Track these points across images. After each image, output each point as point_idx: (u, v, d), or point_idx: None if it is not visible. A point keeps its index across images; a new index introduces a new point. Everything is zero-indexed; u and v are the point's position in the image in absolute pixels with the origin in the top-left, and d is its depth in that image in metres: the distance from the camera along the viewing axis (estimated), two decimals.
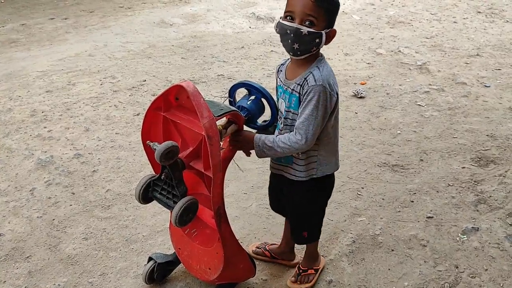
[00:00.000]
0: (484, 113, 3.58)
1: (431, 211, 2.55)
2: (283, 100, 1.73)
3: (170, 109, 1.68)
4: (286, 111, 1.71)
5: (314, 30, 1.57)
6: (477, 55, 4.66)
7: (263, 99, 1.78)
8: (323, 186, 1.89)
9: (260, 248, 2.23)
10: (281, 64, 1.82)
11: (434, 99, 3.79)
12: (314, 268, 2.10)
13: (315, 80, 1.60)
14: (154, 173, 1.77)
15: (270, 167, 1.93)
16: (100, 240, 2.36)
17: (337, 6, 1.68)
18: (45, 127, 3.29)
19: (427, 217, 2.50)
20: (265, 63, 4.43)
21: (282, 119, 1.74)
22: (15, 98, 3.68)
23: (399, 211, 2.56)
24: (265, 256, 2.21)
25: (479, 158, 3.02)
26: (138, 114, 3.47)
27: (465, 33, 5.25)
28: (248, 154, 1.80)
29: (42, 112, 3.48)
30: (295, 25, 1.56)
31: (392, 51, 4.76)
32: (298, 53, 1.62)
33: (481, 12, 5.93)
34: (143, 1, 6.21)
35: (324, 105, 1.61)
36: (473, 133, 3.30)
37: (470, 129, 3.35)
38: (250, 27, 5.39)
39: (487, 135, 3.27)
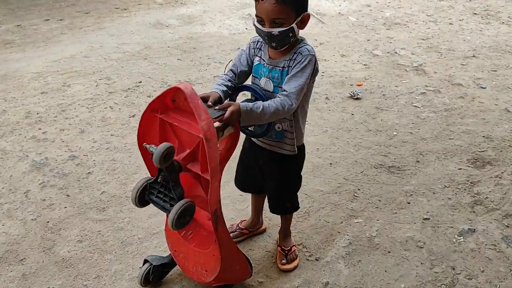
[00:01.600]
0: (480, 114, 3.58)
1: (427, 212, 2.55)
2: (268, 79, 1.81)
3: (167, 111, 1.67)
4: (276, 87, 1.79)
5: (284, 28, 1.66)
6: (473, 56, 4.67)
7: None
8: (303, 154, 2.02)
9: (236, 231, 2.33)
10: (259, 41, 1.86)
11: (431, 100, 3.79)
12: (294, 245, 2.25)
13: (308, 50, 1.73)
14: (150, 175, 1.76)
15: (246, 145, 2.04)
16: (95, 242, 2.34)
17: None
18: (40, 129, 3.27)
19: (423, 219, 2.50)
20: None
21: (274, 94, 1.79)
22: (10, 100, 3.65)
23: (396, 213, 2.55)
24: (244, 235, 2.35)
25: (475, 159, 3.02)
26: (133, 116, 3.45)
27: (461, 35, 5.26)
28: (237, 124, 1.71)
29: (37, 113, 3.46)
30: (265, 29, 1.68)
31: (388, 52, 4.76)
32: (278, 47, 1.74)
33: (477, 14, 5.95)
34: (138, 2, 6.19)
35: (311, 74, 1.75)
36: (469, 134, 3.31)
37: (467, 131, 3.35)
38: (246, 29, 5.38)
39: (483, 136, 3.28)
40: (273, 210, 2.16)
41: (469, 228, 2.42)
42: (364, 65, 4.48)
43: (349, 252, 2.28)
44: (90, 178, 2.81)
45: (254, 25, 1.73)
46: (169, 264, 2.06)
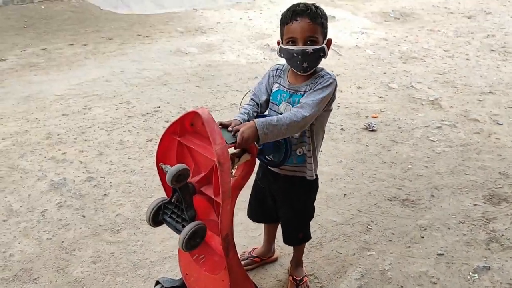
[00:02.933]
0: (497, 150, 3.56)
1: (442, 248, 2.52)
2: (288, 104, 1.83)
3: (185, 134, 1.71)
4: None
5: (317, 47, 1.75)
6: (490, 92, 4.67)
7: (281, 142, 1.82)
8: (317, 182, 2.03)
9: (248, 258, 2.35)
10: (278, 69, 1.93)
11: (446, 135, 3.79)
12: (306, 275, 2.26)
13: (330, 75, 1.80)
14: (165, 196, 1.79)
15: (260, 175, 2.06)
16: (108, 264, 2.36)
17: (327, 18, 1.82)
18: (59, 150, 3.35)
19: (437, 254, 2.47)
20: None
21: None
22: (32, 120, 3.75)
23: (409, 247, 2.53)
24: (256, 263, 2.36)
25: (491, 196, 2.99)
26: (151, 140, 3.51)
27: (477, 71, 5.28)
28: (253, 151, 1.72)
29: (58, 135, 3.54)
30: (300, 47, 1.74)
31: (404, 85, 4.79)
32: (308, 69, 1.79)
33: (494, 51, 5.97)
34: (160, 30, 6.36)
35: (329, 97, 1.78)
36: (485, 170, 3.28)
37: (482, 166, 3.33)
38: (264, 58, 5.48)
39: (500, 173, 3.25)
40: (286, 241, 2.16)
41: (484, 266, 2.38)
42: (380, 97, 4.51)
43: (361, 285, 2.25)
44: (106, 200, 2.85)
45: (283, 49, 1.78)
46: (180, 287, 2.07)
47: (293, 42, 1.75)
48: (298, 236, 2.12)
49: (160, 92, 4.40)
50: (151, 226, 1.74)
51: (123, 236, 2.55)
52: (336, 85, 1.81)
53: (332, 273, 2.32)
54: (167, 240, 2.52)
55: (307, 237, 2.15)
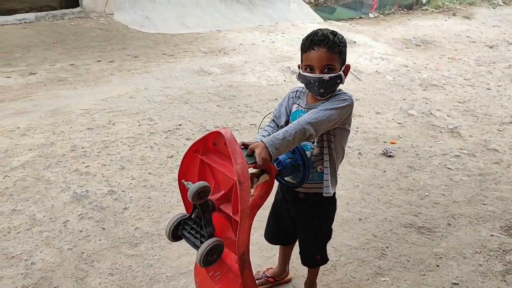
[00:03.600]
0: None
1: (457, 277, 2.51)
2: None
3: (208, 153, 1.78)
4: None
5: (334, 74, 1.81)
6: (510, 123, 4.66)
7: (300, 163, 1.87)
8: (335, 204, 2.08)
9: (261, 278, 2.39)
10: (298, 91, 2.00)
11: (465, 164, 3.78)
12: None
13: (346, 94, 1.86)
14: (185, 212, 1.84)
15: (279, 197, 2.10)
16: (125, 276, 2.41)
17: (345, 45, 1.89)
18: (83, 163, 3.45)
19: (452, 283, 2.46)
20: None
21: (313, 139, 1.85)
22: (58, 133, 3.88)
23: (424, 275, 2.53)
24: (269, 283, 2.39)
25: (509, 227, 2.97)
26: (171, 157, 3.59)
27: (498, 100, 5.27)
28: (272, 172, 1.79)
29: (82, 148, 3.65)
30: (316, 75, 1.81)
31: (423, 113, 4.81)
32: (325, 94, 1.86)
33: None
34: (184, 49, 6.53)
35: (344, 113, 1.82)
36: (503, 201, 3.27)
37: (501, 197, 3.31)
38: (284, 80, 5.57)
39: None
40: (303, 263, 2.19)
41: None
42: (399, 123, 4.54)
43: None
44: (126, 213, 2.92)
45: (302, 75, 1.85)
46: None
47: (311, 69, 1.83)
48: (316, 258, 2.15)
49: (182, 110, 4.50)
50: (170, 240, 1.79)
51: (141, 250, 2.61)
52: (352, 104, 1.85)
53: None
54: (184, 256, 2.57)
55: (325, 260, 2.17)
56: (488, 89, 5.65)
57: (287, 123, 1.96)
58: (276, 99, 4.93)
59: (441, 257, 2.67)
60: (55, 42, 6.51)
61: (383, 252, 2.69)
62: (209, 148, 1.78)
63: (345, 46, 1.88)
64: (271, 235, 2.27)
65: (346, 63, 1.89)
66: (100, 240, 2.68)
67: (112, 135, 3.89)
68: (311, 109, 1.86)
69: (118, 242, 2.66)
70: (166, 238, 1.77)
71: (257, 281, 2.28)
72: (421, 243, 2.80)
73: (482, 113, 4.87)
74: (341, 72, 1.83)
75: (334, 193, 2.01)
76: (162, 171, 3.40)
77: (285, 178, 1.95)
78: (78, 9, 7.50)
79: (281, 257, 2.37)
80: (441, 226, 2.96)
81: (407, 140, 4.18)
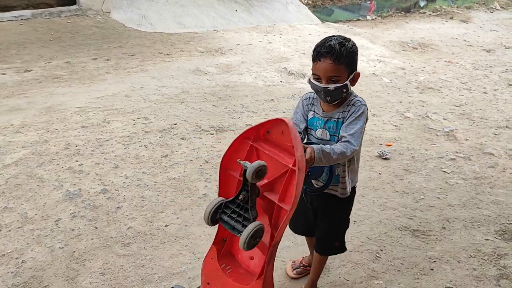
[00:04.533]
0: (511, 186, 3.53)
1: (450, 281, 2.50)
2: (324, 130, 2.00)
3: (257, 141, 1.80)
4: (333, 136, 1.99)
5: (339, 85, 1.88)
6: (506, 127, 4.66)
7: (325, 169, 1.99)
8: (353, 196, 2.16)
9: (300, 267, 2.49)
10: (310, 98, 2.07)
11: (460, 167, 3.78)
12: None
13: (360, 101, 1.96)
14: (222, 198, 1.80)
15: (304, 191, 2.10)
16: (116, 276, 2.39)
17: (354, 54, 1.93)
18: (77, 161, 3.42)
19: (446, 287, 2.45)
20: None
21: (330, 142, 1.97)
22: (52, 131, 3.85)
23: (418, 278, 2.51)
24: (308, 271, 2.45)
25: (504, 231, 2.97)
26: (166, 156, 3.57)
27: (494, 104, 5.27)
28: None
29: (76, 146, 3.62)
30: (322, 85, 1.88)
31: (420, 115, 4.81)
32: (332, 102, 1.95)
33: None
34: (181, 49, 6.50)
35: (365, 121, 1.96)
36: (498, 205, 3.26)
37: (496, 201, 3.31)
38: (281, 81, 5.55)
39: None
40: (321, 251, 2.25)
41: None
42: (395, 126, 4.53)
43: None
44: (119, 212, 2.89)
45: (311, 82, 1.93)
46: None
47: (318, 79, 1.90)
48: (335, 244, 2.23)
49: (178, 109, 4.48)
50: (209, 225, 1.77)
51: (133, 250, 2.59)
52: (367, 110, 1.96)
53: None
54: (176, 256, 2.55)
55: (343, 248, 2.25)
56: (484, 93, 5.65)
57: (306, 129, 2.06)
58: (272, 99, 4.92)
59: (435, 261, 2.66)
60: (51, 39, 6.47)
61: (377, 255, 2.68)
62: (259, 137, 1.81)
63: (354, 56, 1.93)
64: (294, 225, 2.32)
65: (356, 71, 1.94)
66: (92, 239, 2.65)
67: (106, 134, 3.86)
68: (327, 117, 1.98)
69: (110, 242, 2.64)
70: (205, 222, 1.75)
71: (295, 270, 2.47)
72: (416, 246, 2.79)
73: (478, 117, 4.87)
74: (347, 82, 1.89)
75: (354, 187, 2.13)
76: (156, 170, 3.38)
77: (308, 185, 2.04)
78: (75, 6, 7.46)
79: (310, 245, 2.47)
80: (436, 230, 2.95)
81: (403, 142, 4.17)
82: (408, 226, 2.96)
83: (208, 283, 1.95)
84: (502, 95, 5.60)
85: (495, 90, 5.77)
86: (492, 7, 10.73)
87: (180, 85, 5.15)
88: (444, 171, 3.70)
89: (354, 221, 2.96)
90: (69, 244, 2.60)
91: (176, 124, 4.14)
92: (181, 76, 5.43)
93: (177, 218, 2.88)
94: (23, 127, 3.89)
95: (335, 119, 1.98)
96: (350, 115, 1.93)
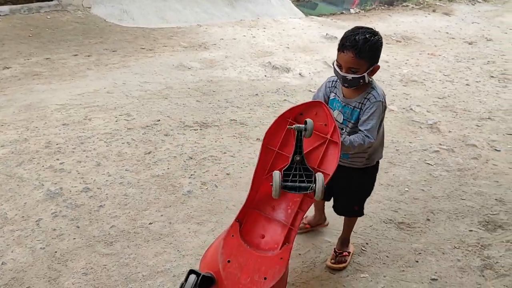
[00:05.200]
0: (494, 177, 3.57)
1: (435, 273, 2.51)
2: (340, 112, 2.23)
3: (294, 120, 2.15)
4: (345, 120, 2.22)
5: (357, 76, 2.07)
6: (489, 118, 4.70)
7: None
8: (376, 170, 2.43)
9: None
10: (333, 81, 2.30)
11: (444, 159, 3.80)
12: (347, 251, 2.53)
13: (375, 98, 2.14)
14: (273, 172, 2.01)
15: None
16: (99, 276, 2.35)
17: (377, 49, 2.10)
18: (57, 159, 3.35)
19: (431, 279, 2.46)
20: (278, 111, 4.50)
21: (342, 125, 2.23)
22: (32, 129, 3.77)
23: (403, 271, 2.52)
24: (306, 229, 2.72)
25: (487, 222, 2.99)
26: (149, 153, 3.52)
27: (477, 96, 5.32)
28: None
29: (57, 144, 3.55)
30: (342, 73, 2.10)
31: (403, 108, 4.83)
32: (349, 87, 2.16)
33: (494, 77, 6.02)
34: (164, 44, 6.42)
35: (380, 116, 2.17)
36: (481, 196, 3.29)
37: (479, 192, 3.33)
38: (265, 76, 5.52)
39: (496, 199, 3.25)
40: (338, 211, 2.49)
41: None
42: None
43: None
44: (101, 211, 2.85)
45: (334, 67, 2.15)
46: (211, 279, 1.91)
47: (340, 66, 2.11)
48: (354, 208, 2.44)
49: (161, 105, 4.42)
50: (277, 198, 1.97)
51: (116, 249, 2.55)
52: (382, 104, 2.15)
53: None
54: (160, 254, 2.51)
55: (362, 212, 2.47)
56: (467, 85, 5.70)
57: None
58: (256, 94, 4.89)
59: (420, 253, 2.67)
60: (30, 35, 6.33)
61: (363, 248, 2.68)
62: (294, 118, 2.15)
63: (376, 51, 2.09)
64: None
65: (376, 64, 2.12)
66: (74, 238, 2.60)
67: (88, 131, 3.79)
68: (345, 103, 2.20)
69: (92, 241, 2.59)
70: (275, 196, 1.95)
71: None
72: (401, 238, 2.79)
73: (461, 109, 4.91)
74: (365, 74, 2.07)
75: (377, 162, 2.39)
76: (139, 167, 3.33)
77: None
78: (54, 2, 7.31)
79: (315, 207, 2.68)
80: (421, 222, 2.96)
81: (388, 135, 4.16)
82: (393, 219, 2.97)
83: (229, 261, 1.93)
84: (484, 87, 5.66)
85: (477, 82, 5.82)
86: (473, 0, 10.82)
87: (163, 81, 5.08)
88: (428, 163, 3.72)
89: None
90: (50, 244, 2.55)
91: (159, 120, 4.09)
92: (164, 72, 5.36)
93: (161, 215, 2.84)
94: (2, 125, 3.80)
95: (351, 107, 2.18)
96: (365, 110, 2.14)
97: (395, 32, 7.99)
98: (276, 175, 1.94)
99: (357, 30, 2.08)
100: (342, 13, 9.46)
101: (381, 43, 2.10)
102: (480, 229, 2.92)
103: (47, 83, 4.80)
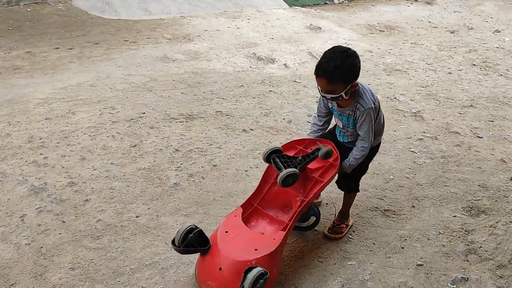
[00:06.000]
0: (476, 163, 3.63)
1: (421, 258, 2.55)
2: (339, 119, 2.48)
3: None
4: (344, 126, 2.48)
5: (335, 95, 2.24)
6: (471, 106, 4.77)
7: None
8: (374, 152, 2.64)
9: None
10: None
11: (428, 147, 3.85)
12: (345, 223, 2.72)
13: (363, 107, 2.32)
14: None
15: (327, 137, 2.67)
16: (87, 270, 2.33)
17: (351, 71, 2.23)
18: (41, 154, 3.31)
19: (417, 265, 2.50)
20: (263, 102, 4.51)
21: (343, 129, 2.52)
22: (14, 124, 3.71)
23: (389, 257, 2.56)
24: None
25: (471, 207, 3.05)
26: (135, 146, 3.50)
27: (459, 84, 5.39)
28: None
29: (40, 138, 3.50)
30: (322, 94, 2.31)
31: (388, 97, 4.86)
32: (334, 101, 2.38)
33: (476, 65, 6.11)
34: (147, 36, 6.36)
35: (372, 119, 2.37)
36: (465, 182, 3.34)
37: (462, 178, 3.39)
38: (250, 67, 5.51)
39: (479, 185, 3.31)
40: (340, 187, 2.73)
41: (462, 277, 2.41)
42: None
43: None
44: (87, 205, 2.82)
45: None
46: (206, 239, 2.17)
47: (319, 88, 2.30)
48: (351, 186, 2.68)
49: (145, 98, 4.38)
50: (264, 161, 2.43)
51: (103, 243, 2.53)
52: (372, 111, 2.33)
53: (313, 282, 2.33)
54: (148, 247, 2.51)
55: (357, 189, 2.70)
56: (449, 73, 5.76)
57: (327, 114, 2.57)
58: (241, 85, 4.87)
59: (405, 239, 2.71)
60: (10, 29, 6.21)
61: (349, 236, 2.71)
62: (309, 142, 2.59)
63: (350, 73, 2.22)
64: None
65: (354, 82, 2.24)
66: (60, 233, 2.58)
67: (71, 125, 3.75)
68: (341, 111, 2.41)
69: (79, 235, 2.57)
70: (262, 159, 2.41)
71: None
72: (387, 226, 2.83)
73: (444, 97, 4.97)
74: (342, 93, 2.22)
75: (378, 144, 2.64)
76: (125, 161, 3.31)
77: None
78: None
79: None
80: (406, 209, 3.00)
81: None
82: (379, 207, 3.00)
83: (227, 232, 2.21)
84: (466, 75, 5.73)
85: (459, 70, 5.89)
86: None
87: (148, 73, 5.04)
88: (413, 151, 3.77)
89: (326, 204, 2.99)
90: (36, 240, 2.52)
91: (144, 113, 4.05)
92: (148, 64, 5.31)
93: (148, 208, 2.83)
94: None
95: (346, 114, 2.40)
96: (358, 118, 2.35)
97: (378, 21, 8.03)
98: (270, 146, 2.46)
99: (331, 54, 2.22)
100: (326, 3, 9.46)
101: (356, 63, 2.23)
102: (463, 214, 2.97)
103: (29, 77, 4.72)
